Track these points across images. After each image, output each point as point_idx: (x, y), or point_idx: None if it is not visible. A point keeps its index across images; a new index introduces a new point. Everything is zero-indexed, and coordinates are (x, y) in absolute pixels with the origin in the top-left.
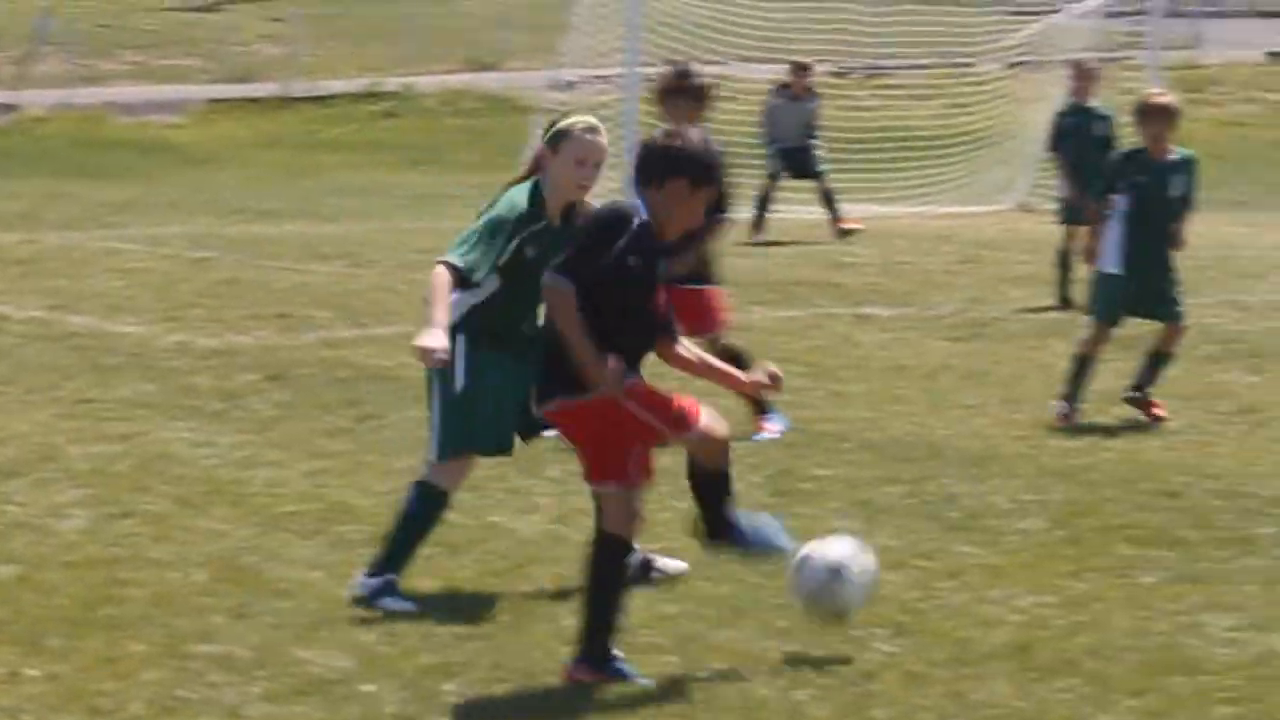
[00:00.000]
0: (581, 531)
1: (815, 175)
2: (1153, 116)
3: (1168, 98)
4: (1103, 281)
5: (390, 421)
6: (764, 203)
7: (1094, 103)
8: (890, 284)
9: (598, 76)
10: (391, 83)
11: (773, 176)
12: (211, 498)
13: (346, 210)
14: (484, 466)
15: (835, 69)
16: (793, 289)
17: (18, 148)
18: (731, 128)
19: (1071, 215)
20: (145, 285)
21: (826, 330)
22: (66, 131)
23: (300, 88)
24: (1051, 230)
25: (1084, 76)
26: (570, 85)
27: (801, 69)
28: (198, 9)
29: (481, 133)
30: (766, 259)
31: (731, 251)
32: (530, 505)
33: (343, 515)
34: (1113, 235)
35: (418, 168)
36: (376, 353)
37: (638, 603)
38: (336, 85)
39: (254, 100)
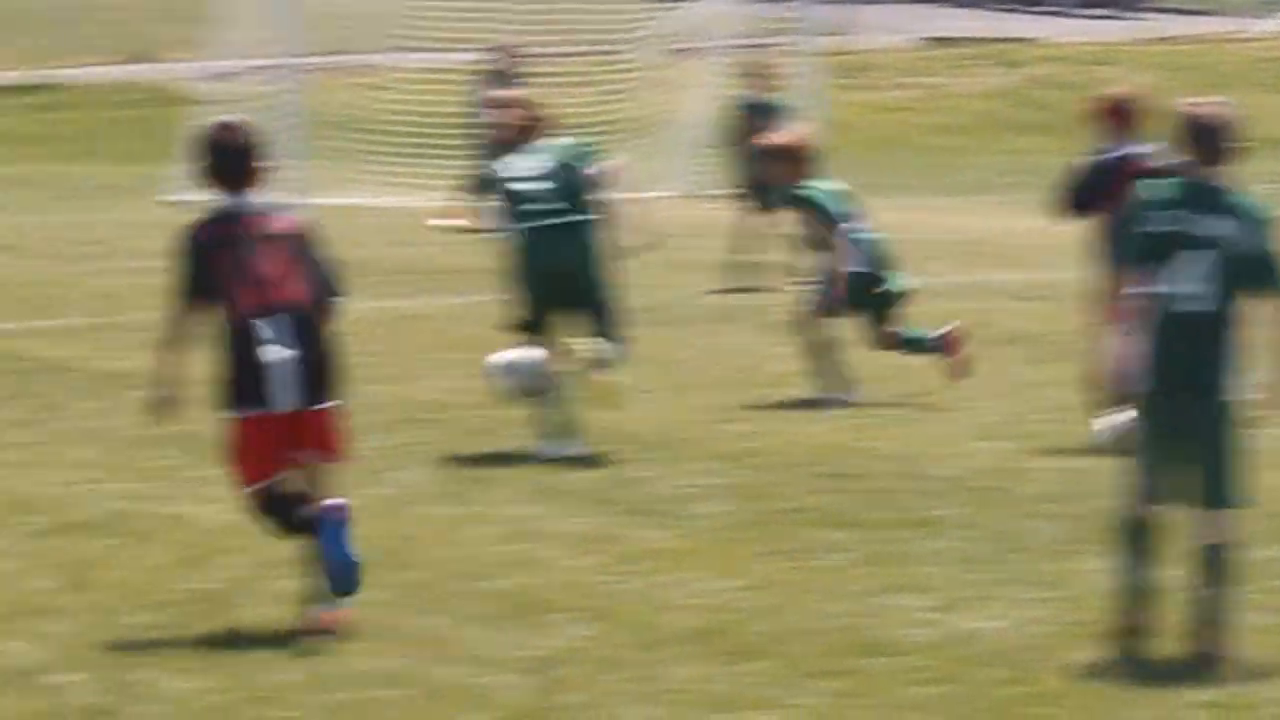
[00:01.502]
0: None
1: None
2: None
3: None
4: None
5: (67, 414)
6: None
7: (769, 97)
8: None
9: (256, 67)
10: (47, 74)
11: None
12: None
13: (4, 202)
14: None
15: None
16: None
17: None
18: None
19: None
20: None
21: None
22: None
23: None
24: (724, 216)
25: (759, 73)
26: (224, 77)
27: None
28: None
29: (138, 123)
30: (431, 246)
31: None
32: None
33: (22, 507)
34: None
35: (75, 160)
36: (47, 345)
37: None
38: None
39: None
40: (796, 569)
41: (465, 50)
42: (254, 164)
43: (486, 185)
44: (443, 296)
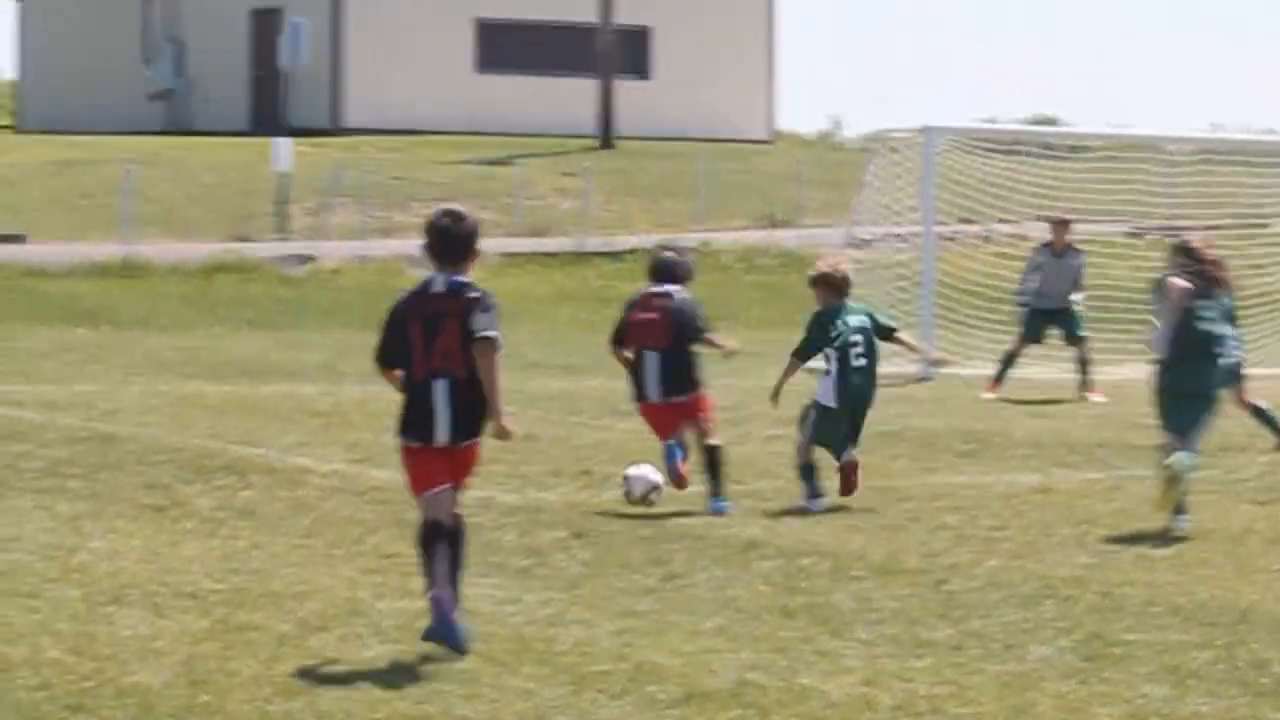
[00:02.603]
0: (892, 694)
1: (1076, 339)
2: None
3: None
4: None
5: (696, 581)
6: (1009, 359)
7: None
8: None
9: (893, 234)
10: (686, 238)
11: (1027, 337)
12: (520, 656)
13: None
14: (789, 628)
15: (1129, 229)
16: (1095, 450)
17: (314, 299)
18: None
19: None
20: None
21: (1129, 493)
22: (361, 283)
23: (594, 242)
24: None
25: None
26: (866, 242)
27: (1062, 224)
28: (491, 162)
29: (777, 289)
30: (1068, 420)
31: (1024, 412)
32: (839, 667)
33: (650, 675)
34: None
35: (715, 323)
36: (679, 511)
37: None
38: (631, 240)
39: (549, 254)
40: None
41: (1100, 221)
42: (460, 247)
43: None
44: (1079, 471)
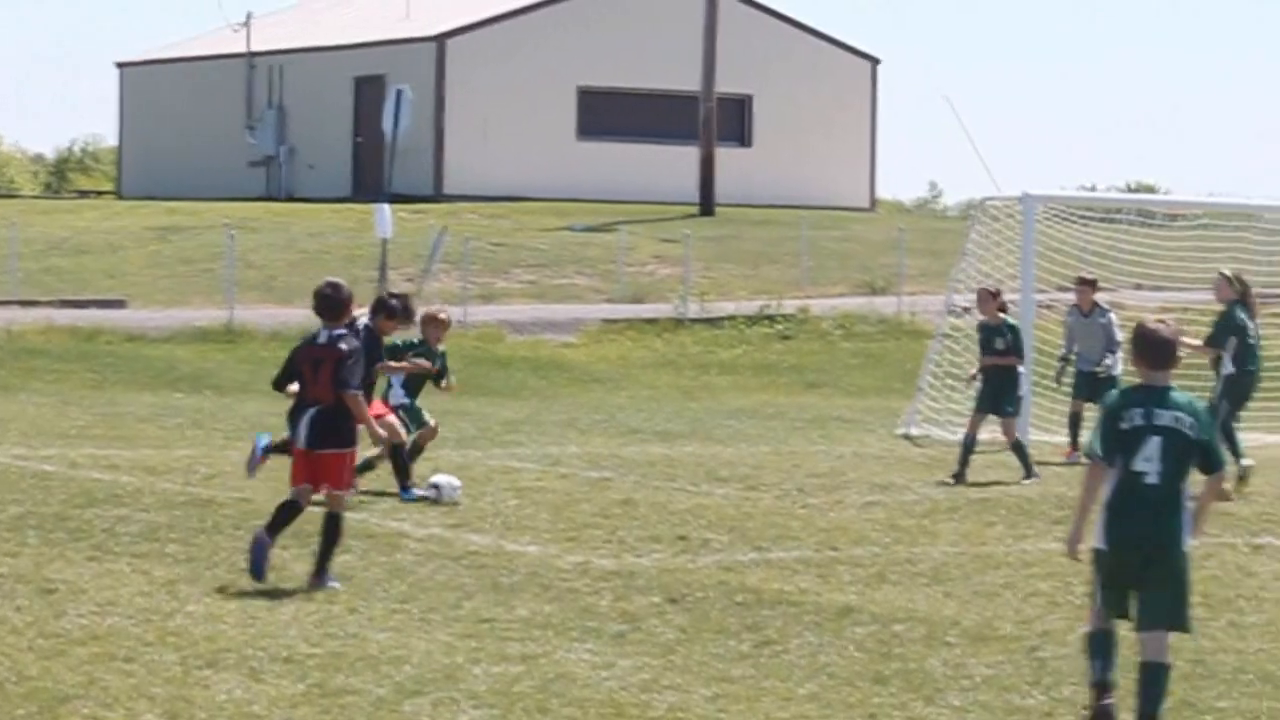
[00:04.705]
0: None
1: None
2: None
3: None
4: None
5: (790, 647)
6: (1074, 421)
7: None
8: None
9: None
10: (785, 305)
11: (1077, 398)
12: None
13: (741, 432)
14: (882, 694)
15: None
16: None
17: None
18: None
19: None
20: (542, 504)
21: (1221, 560)
22: (462, 349)
23: (694, 309)
24: None
25: None
26: (965, 310)
27: (1087, 284)
28: (591, 229)
29: (876, 356)
30: None
31: None
32: None
33: None
34: None
35: (813, 390)
36: (774, 576)
37: None
38: (729, 306)
39: (648, 321)
40: None
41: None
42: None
43: None
44: None
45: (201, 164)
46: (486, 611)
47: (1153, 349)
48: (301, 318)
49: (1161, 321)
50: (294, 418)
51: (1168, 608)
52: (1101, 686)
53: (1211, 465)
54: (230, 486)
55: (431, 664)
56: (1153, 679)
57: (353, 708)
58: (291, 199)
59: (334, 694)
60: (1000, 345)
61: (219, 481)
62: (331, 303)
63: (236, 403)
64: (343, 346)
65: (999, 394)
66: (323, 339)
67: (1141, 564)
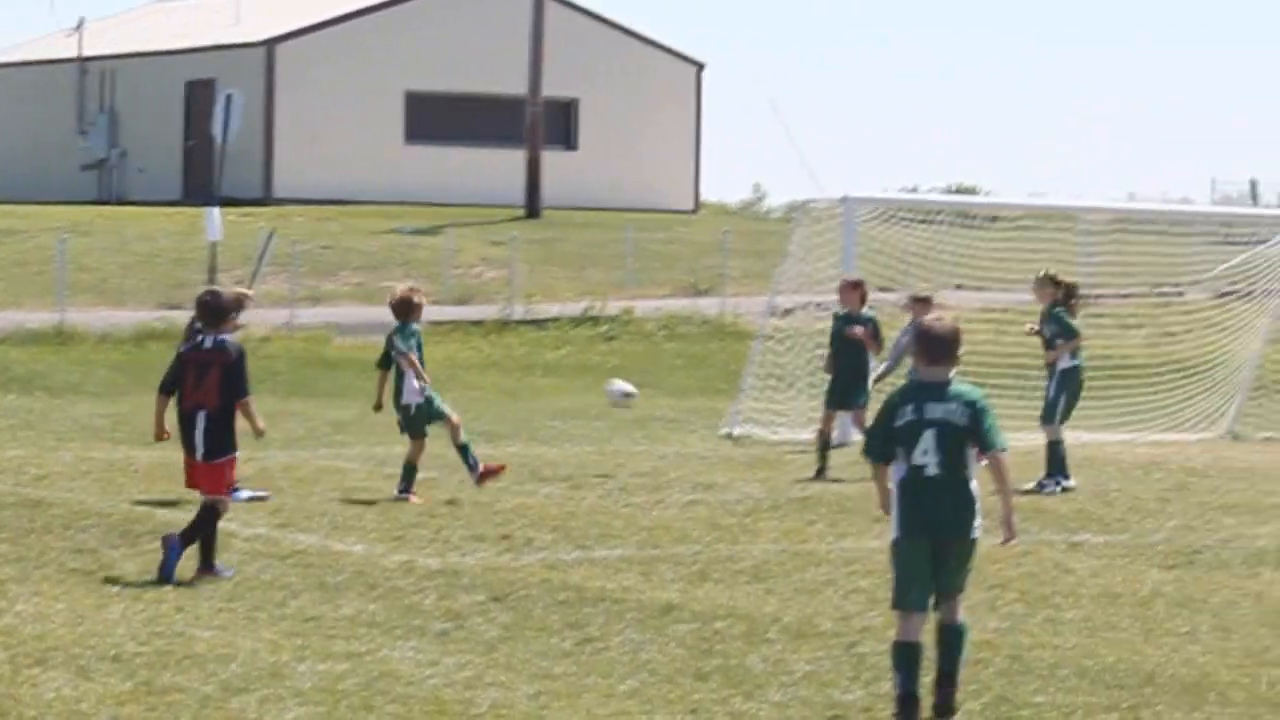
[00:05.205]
0: None
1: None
2: None
3: None
4: None
5: (612, 645)
6: None
7: None
8: (1101, 511)
9: (814, 303)
10: (610, 306)
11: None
12: (437, 718)
13: (565, 433)
14: (703, 690)
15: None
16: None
17: None
18: None
19: None
20: (368, 504)
21: (1039, 557)
22: (290, 350)
23: (519, 310)
24: (1262, 458)
25: None
26: (787, 312)
27: (921, 302)
28: (419, 231)
29: (699, 357)
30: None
31: None
32: None
33: None
34: None
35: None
36: (597, 574)
37: None
38: (554, 308)
39: (474, 322)
40: None
41: (1018, 290)
42: (219, 315)
43: None
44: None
45: (34, 167)
46: (312, 610)
47: (931, 344)
48: (133, 320)
49: (938, 319)
50: (186, 427)
51: (960, 578)
52: (905, 700)
53: (986, 444)
54: (60, 487)
55: (257, 662)
56: (952, 639)
57: (179, 705)
58: (123, 202)
59: (161, 692)
60: (859, 331)
61: (49, 482)
62: (212, 309)
63: (68, 404)
64: (231, 352)
65: (849, 388)
66: (208, 344)
67: (932, 550)
